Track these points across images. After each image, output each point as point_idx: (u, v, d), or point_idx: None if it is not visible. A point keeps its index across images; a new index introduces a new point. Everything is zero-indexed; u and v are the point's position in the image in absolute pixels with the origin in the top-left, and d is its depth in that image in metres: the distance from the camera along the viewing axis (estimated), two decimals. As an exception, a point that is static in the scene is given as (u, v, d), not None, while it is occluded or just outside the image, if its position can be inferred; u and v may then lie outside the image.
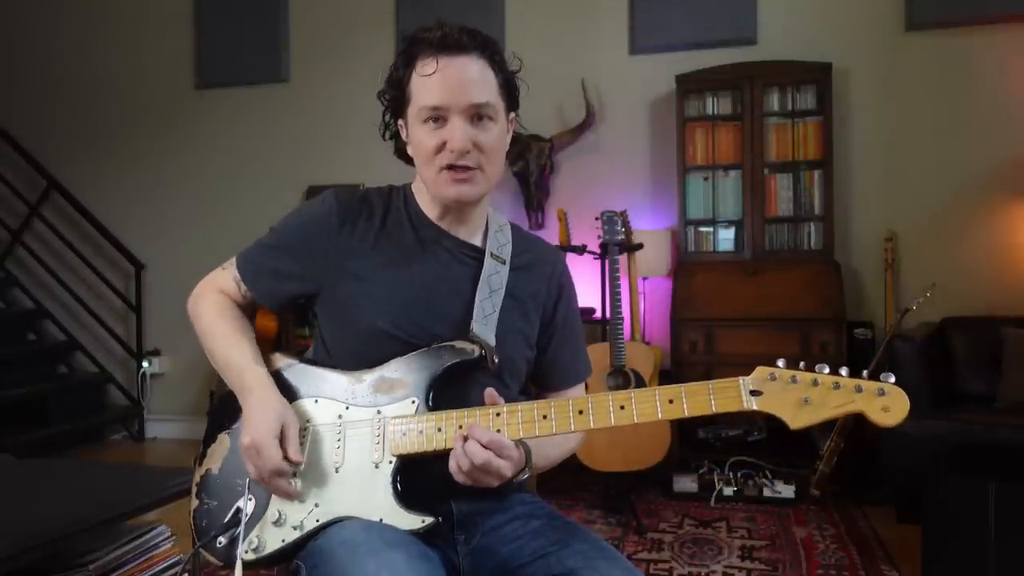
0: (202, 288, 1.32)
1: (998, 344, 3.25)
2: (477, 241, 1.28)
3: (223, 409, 1.26)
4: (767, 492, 3.28)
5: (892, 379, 1.01)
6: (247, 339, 1.25)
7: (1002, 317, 3.44)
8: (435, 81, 1.14)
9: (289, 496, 1.14)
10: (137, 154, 4.91)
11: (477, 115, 1.16)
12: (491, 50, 1.18)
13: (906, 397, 1.00)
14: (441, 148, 1.16)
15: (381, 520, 1.11)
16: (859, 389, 1.01)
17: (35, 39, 5.11)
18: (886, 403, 1.00)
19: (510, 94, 1.22)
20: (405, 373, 1.17)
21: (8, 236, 5.01)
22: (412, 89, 1.18)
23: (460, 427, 1.10)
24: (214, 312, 1.28)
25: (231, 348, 1.23)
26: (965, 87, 3.71)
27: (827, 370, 1.04)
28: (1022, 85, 3.67)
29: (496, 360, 1.20)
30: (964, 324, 3.42)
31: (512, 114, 1.24)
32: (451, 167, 1.17)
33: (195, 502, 1.22)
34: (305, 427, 1.18)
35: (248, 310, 1.32)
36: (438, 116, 1.16)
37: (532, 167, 4.06)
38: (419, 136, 1.18)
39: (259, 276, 1.28)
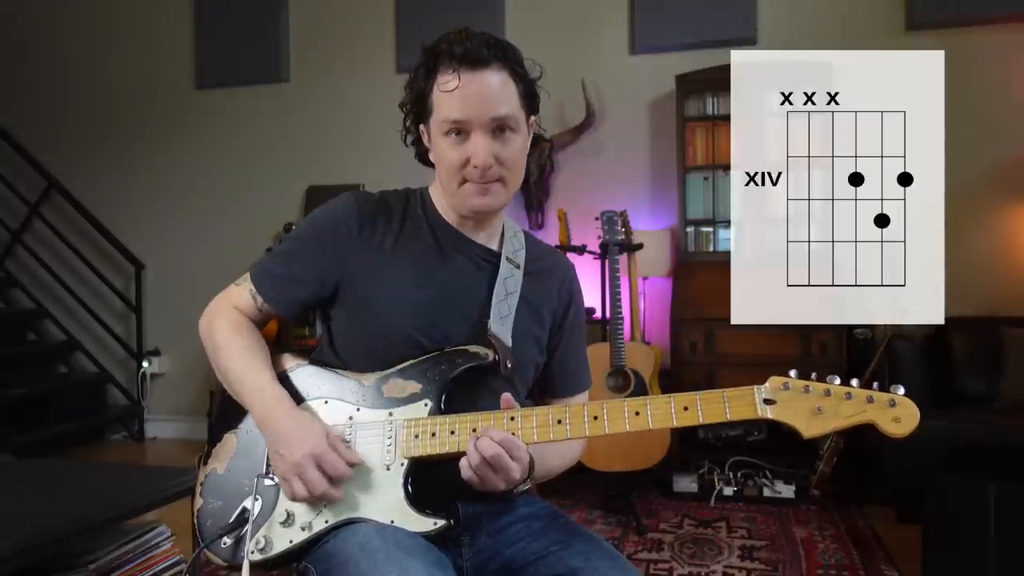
0: (216, 306, 1.29)
1: (998, 344, 3.25)
2: (494, 246, 1.29)
3: (227, 409, 1.26)
4: (767, 492, 3.28)
5: (902, 390, 1.04)
6: (263, 357, 1.24)
7: (1002, 317, 3.44)
8: (457, 96, 1.13)
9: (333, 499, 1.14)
10: (137, 154, 4.91)
11: (499, 127, 1.16)
12: (512, 60, 1.17)
13: (916, 409, 1.03)
14: (465, 163, 1.16)
15: (392, 522, 1.11)
16: (871, 400, 1.04)
17: (36, 39, 5.11)
18: (897, 414, 1.03)
19: (531, 100, 1.21)
20: (418, 376, 1.18)
21: (8, 236, 5.01)
22: (434, 101, 1.17)
23: (474, 430, 1.11)
24: (228, 329, 1.25)
25: (247, 367, 1.21)
26: (965, 87, 3.71)
27: (838, 380, 1.07)
28: (1022, 85, 3.67)
29: (510, 365, 1.20)
30: (964, 324, 3.42)
31: (532, 118, 1.23)
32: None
33: (199, 502, 1.22)
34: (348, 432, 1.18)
35: (262, 324, 1.30)
36: (460, 130, 1.15)
37: (532, 167, 4.05)
38: (442, 148, 1.18)
39: (276, 286, 1.26)
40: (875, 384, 1.06)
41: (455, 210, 1.24)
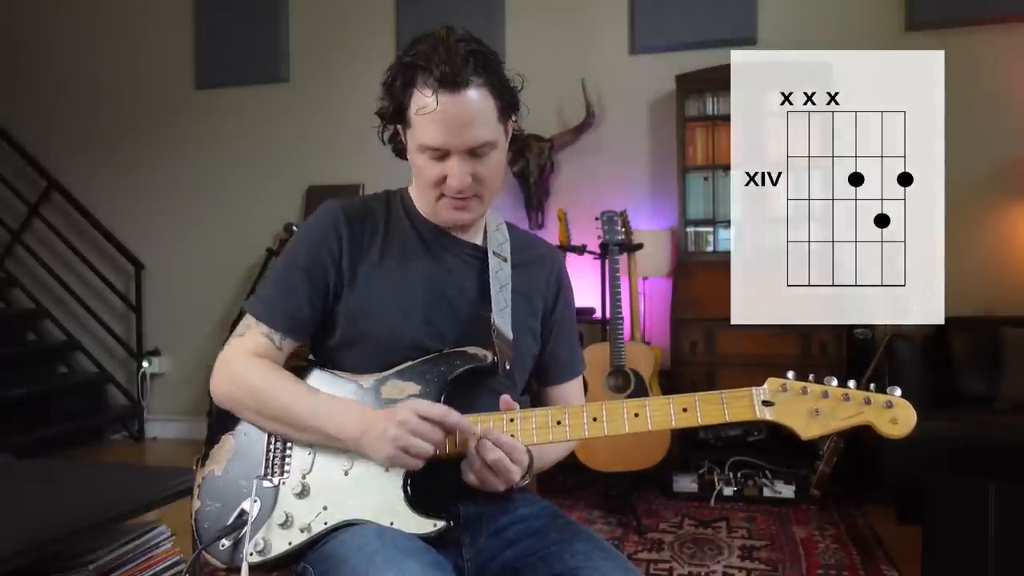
0: (230, 361, 1.21)
1: (998, 344, 3.25)
2: (478, 240, 1.29)
3: (225, 410, 1.25)
4: (767, 492, 3.28)
5: (899, 392, 1.06)
6: (313, 388, 1.19)
7: (1002, 317, 3.44)
8: (435, 121, 1.12)
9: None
10: (137, 154, 4.91)
11: (477, 150, 1.15)
12: (490, 73, 1.14)
13: (913, 410, 1.05)
14: (441, 180, 1.16)
15: (392, 523, 1.10)
16: (868, 401, 1.06)
17: (36, 39, 5.11)
18: (894, 415, 1.05)
19: (509, 109, 1.19)
20: (416, 377, 1.17)
21: (8, 236, 5.01)
22: (411, 117, 1.16)
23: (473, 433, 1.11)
24: (268, 374, 1.18)
25: (314, 400, 1.17)
26: (965, 87, 3.71)
27: (835, 382, 1.08)
28: (1022, 85, 3.67)
29: (509, 366, 1.20)
30: (964, 324, 3.42)
31: (512, 120, 1.22)
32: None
33: (197, 504, 1.21)
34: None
35: (281, 364, 1.23)
36: (438, 153, 1.15)
37: (532, 167, 4.06)
38: (419, 162, 1.18)
39: (292, 318, 1.21)
40: (872, 386, 1.07)
41: (432, 219, 1.25)
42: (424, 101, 1.12)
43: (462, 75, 1.10)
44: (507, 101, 1.18)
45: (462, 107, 1.11)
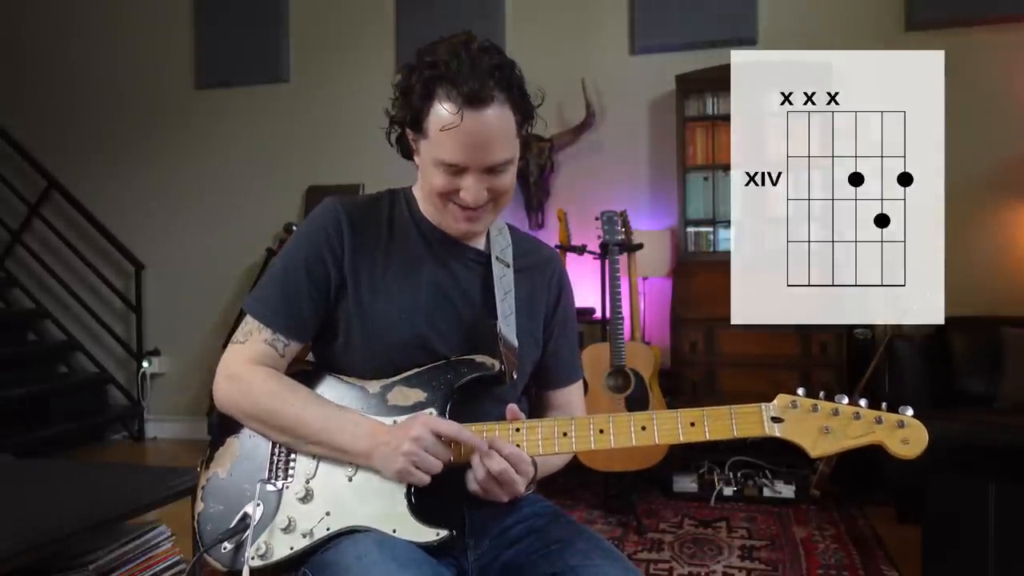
0: (233, 371, 1.19)
1: (998, 344, 3.25)
2: (480, 245, 1.28)
3: None
4: (767, 492, 3.28)
5: (910, 411, 1.04)
6: (322, 400, 1.18)
7: (1002, 317, 3.44)
8: (456, 138, 1.08)
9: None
10: (137, 154, 4.91)
11: (494, 168, 1.13)
12: (512, 89, 1.12)
13: (925, 430, 1.04)
14: (453, 192, 1.14)
15: (394, 531, 1.10)
16: (879, 420, 1.04)
17: (35, 39, 5.11)
18: (906, 435, 1.04)
19: (527, 120, 1.17)
20: (423, 384, 1.17)
21: (8, 236, 5.01)
22: (429, 128, 1.11)
23: None
24: (274, 385, 1.17)
25: (325, 413, 1.15)
26: (965, 86, 3.71)
27: (846, 400, 1.07)
28: (1022, 85, 3.67)
29: (516, 375, 1.20)
30: (964, 324, 3.42)
31: (525, 127, 1.19)
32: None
33: (200, 506, 1.20)
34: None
35: (282, 371, 1.22)
36: (454, 169, 1.12)
37: (532, 167, 4.06)
38: (431, 173, 1.14)
39: (295, 319, 1.19)
40: (884, 404, 1.06)
41: (439, 226, 1.23)
42: (446, 117, 1.08)
43: (486, 91, 1.07)
44: (525, 114, 1.16)
45: (484, 125, 1.09)
